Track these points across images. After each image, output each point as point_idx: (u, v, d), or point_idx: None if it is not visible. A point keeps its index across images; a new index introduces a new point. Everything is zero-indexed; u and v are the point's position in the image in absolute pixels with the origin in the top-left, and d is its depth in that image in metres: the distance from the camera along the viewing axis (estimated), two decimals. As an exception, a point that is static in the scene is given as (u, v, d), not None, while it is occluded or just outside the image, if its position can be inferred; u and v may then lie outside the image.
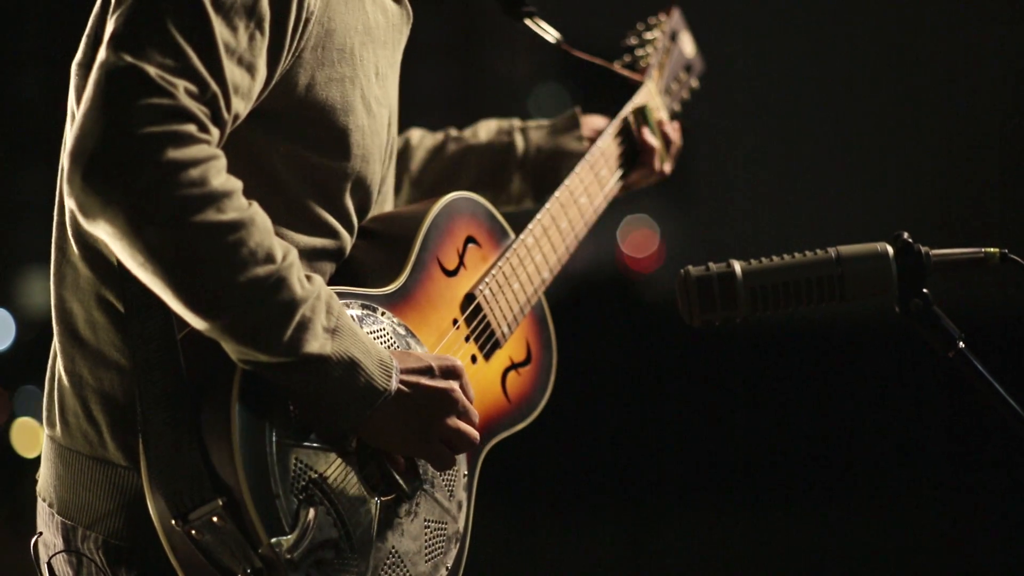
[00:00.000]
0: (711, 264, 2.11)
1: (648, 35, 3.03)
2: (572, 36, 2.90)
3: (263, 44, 2.02)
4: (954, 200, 10.02)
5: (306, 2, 2.08)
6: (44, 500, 2.22)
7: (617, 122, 2.72)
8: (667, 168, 2.81)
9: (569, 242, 2.60)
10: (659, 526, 8.64)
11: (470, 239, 2.40)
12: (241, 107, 2.01)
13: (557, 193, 2.60)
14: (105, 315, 2.13)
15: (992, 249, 2.10)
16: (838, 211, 10.58)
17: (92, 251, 2.11)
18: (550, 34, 2.79)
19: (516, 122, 2.84)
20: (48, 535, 2.20)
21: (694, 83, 3.12)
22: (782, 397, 9.29)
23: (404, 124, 2.52)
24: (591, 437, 8.74)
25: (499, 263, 2.43)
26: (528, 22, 2.77)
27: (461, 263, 2.37)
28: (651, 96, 2.92)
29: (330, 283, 2.22)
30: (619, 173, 2.69)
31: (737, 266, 2.10)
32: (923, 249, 2.09)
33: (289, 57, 2.08)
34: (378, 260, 2.27)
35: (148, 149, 1.88)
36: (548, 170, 2.76)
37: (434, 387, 2.12)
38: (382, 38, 2.27)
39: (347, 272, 2.25)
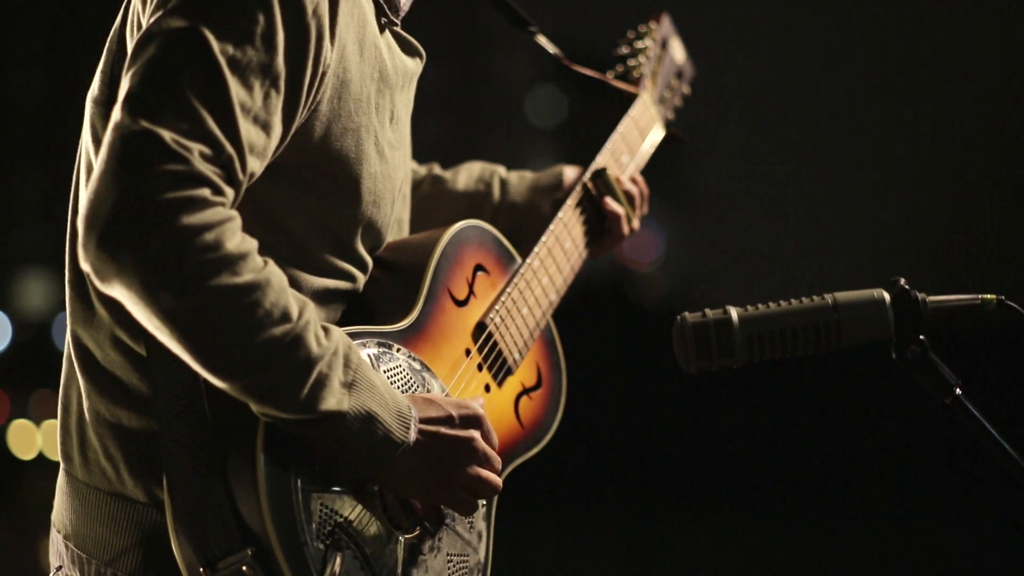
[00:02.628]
0: (707, 311, 2.10)
1: (639, 44, 3.01)
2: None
3: (279, 102, 2.02)
4: (952, 209, 10.02)
5: (322, 57, 2.08)
6: (59, 532, 2.21)
7: (578, 190, 2.68)
8: (635, 225, 2.78)
9: (574, 261, 2.61)
10: (659, 532, 8.64)
11: (479, 267, 2.40)
12: (257, 165, 2.02)
13: (560, 213, 2.61)
14: (122, 355, 2.13)
15: (989, 295, 2.09)
16: (836, 213, 10.58)
17: (106, 293, 2.12)
18: (550, 48, 2.80)
19: (500, 171, 2.81)
20: (66, 568, 2.19)
21: (686, 89, 3.10)
22: (783, 402, 9.30)
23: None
24: (590, 443, 8.75)
25: (507, 289, 2.44)
26: (533, 38, 2.77)
27: (471, 292, 2.38)
28: (646, 108, 2.91)
29: (345, 320, 2.23)
30: (585, 241, 2.68)
31: (734, 313, 2.09)
32: (920, 296, 2.08)
33: (305, 111, 2.08)
34: (391, 293, 2.28)
35: (162, 215, 1.89)
36: (518, 228, 2.75)
37: (454, 436, 2.13)
38: (398, 82, 2.28)
39: (362, 307, 2.26)
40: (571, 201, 2.65)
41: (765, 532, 8.35)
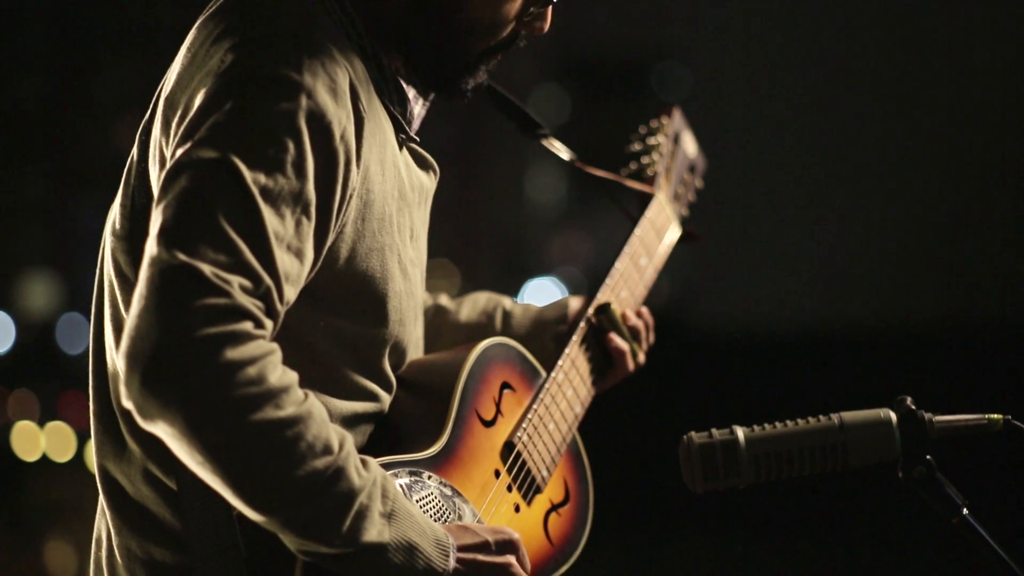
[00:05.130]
0: (714, 431, 2.10)
1: (651, 140, 2.97)
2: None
3: (310, 228, 2.01)
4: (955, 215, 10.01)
5: (350, 181, 2.07)
6: None
7: (582, 325, 2.65)
8: (641, 360, 2.74)
9: (588, 384, 2.60)
10: (658, 545, 8.65)
11: (505, 384, 2.40)
12: (292, 294, 2.01)
13: (567, 349, 2.58)
14: (154, 490, 2.14)
15: (996, 416, 2.09)
16: (840, 217, 10.56)
17: (138, 427, 2.09)
18: (564, 154, 2.77)
19: (505, 303, 2.78)
20: None
21: (699, 183, 3.07)
22: (787, 413, 9.28)
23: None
24: (587, 453, 8.72)
25: (534, 405, 2.43)
26: (544, 143, 2.75)
27: (498, 411, 2.37)
28: (662, 207, 2.88)
29: (374, 445, 2.23)
30: (592, 378, 2.66)
31: (740, 433, 2.09)
32: (926, 416, 2.09)
33: (332, 234, 2.08)
34: (418, 417, 2.28)
35: (206, 351, 1.88)
36: None
37: (492, 563, 2.12)
38: (416, 199, 2.28)
39: (389, 432, 2.26)
40: (576, 337, 2.62)
41: (767, 547, 8.36)
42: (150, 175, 2.12)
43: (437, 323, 2.74)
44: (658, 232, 2.86)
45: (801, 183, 10.58)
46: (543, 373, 2.48)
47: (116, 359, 2.06)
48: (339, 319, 2.15)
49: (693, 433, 2.11)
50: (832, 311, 10.26)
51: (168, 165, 1.99)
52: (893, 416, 2.09)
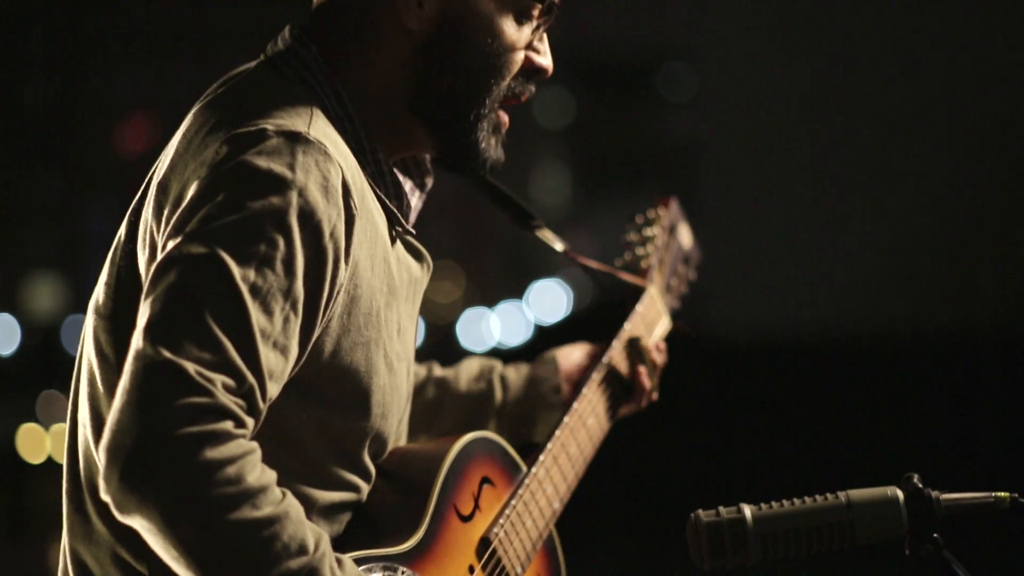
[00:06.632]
0: (721, 509, 2.11)
1: (647, 231, 2.98)
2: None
3: (297, 324, 2.03)
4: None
5: (338, 278, 2.08)
6: None
7: (604, 363, 2.67)
8: (655, 396, 2.78)
9: (579, 468, 2.61)
10: (663, 549, 8.67)
11: (485, 479, 2.41)
12: (275, 390, 2.03)
13: (566, 418, 2.60)
14: (123, 572, 2.14)
15: (1003, 494, 2.10)
16: (846, 223, 10.57)
17: (108, 509, 2.11)
18: (557, 245, 2.79)
19: (497, 367, 2.81)
20: None
21: (692, 275, 3.08)
22: (789, 415, 9.31)
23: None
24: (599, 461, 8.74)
25: (512, 501, 2.44)
26: (537, 233, 2.76)
27: (476, 506, 2.38)
28: (653, 301, 2.89)
29: (351, 536, 2.24)
30: (610, 413, 2.68)
31: (747, 512, 2.10)
32: (933, 494, 2.10)
33: (318, 330, 2.10)
34: (395, 510, 2.29)
35: (185, 450, 1.90)
36: (524, 421, 2.78)
37: None
38: (404, 294, 2.28)
39: (366, 524, 2.27)
40: (559, 433, 2.61)
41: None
42: (138, 256, 2.14)
43: (438, 396, 2.76)
44: (648, 326, 2.86)
45: (809, 186, 10.58)
46: (523, 467, 2.49)
47: (91, 443, 2.10)
48: (323, 411, 2.17)
49: (700, 511, 2.12)
50: (839, 318, 10.25)
51: (159, 258, 2.01)
52: (900, 494, 2.10)
